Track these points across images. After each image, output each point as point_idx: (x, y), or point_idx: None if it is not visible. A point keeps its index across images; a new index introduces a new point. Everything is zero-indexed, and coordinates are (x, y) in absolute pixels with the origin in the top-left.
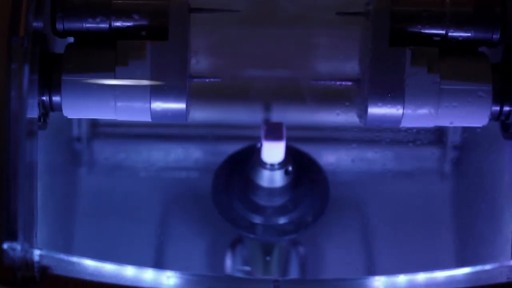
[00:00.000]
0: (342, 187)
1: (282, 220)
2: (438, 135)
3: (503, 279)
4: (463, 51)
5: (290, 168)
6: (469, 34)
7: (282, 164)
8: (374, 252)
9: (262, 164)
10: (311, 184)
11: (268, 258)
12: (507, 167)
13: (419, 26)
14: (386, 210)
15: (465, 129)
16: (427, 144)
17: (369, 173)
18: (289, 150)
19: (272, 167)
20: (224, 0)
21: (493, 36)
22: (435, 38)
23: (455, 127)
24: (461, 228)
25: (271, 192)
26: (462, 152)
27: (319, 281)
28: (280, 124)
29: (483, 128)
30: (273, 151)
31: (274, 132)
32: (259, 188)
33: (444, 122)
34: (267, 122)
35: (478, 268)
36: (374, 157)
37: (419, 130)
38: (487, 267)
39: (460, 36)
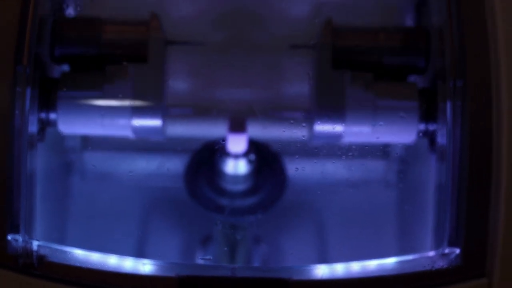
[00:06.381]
0: (296, 194)
1: (245, 202)
2: (383, 150)
3: (421, 268)
4: (394, 77)
5: (252, 158)
6: (398, 64)
7: (245, 154)
8: (323, 248)
9: (228, 154)
10: (270, 173)
11: (226, 249)
12: (433, 175)
13: (356, 58)
14: (335, 214)
15: (406, 145)
16: (374, 157)
17: (322, 183)
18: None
19: (236, 156)
20: (197, 30)
21: (419, 66)
22: (370, 67)
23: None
24: (399, 226)
25: (236, 178)
26: (404, 164)
27: (269, 268)
28: (242, 119)
29: (421, 143)
30: (236, 143)
31: (237, 126)
32: (225, 175)
33: (378, 138)
34: (231, 117)
35: (402, 258)
36: (326, 169)
37: (366, 146)
38: (410, 257)
39: (390, 65)
